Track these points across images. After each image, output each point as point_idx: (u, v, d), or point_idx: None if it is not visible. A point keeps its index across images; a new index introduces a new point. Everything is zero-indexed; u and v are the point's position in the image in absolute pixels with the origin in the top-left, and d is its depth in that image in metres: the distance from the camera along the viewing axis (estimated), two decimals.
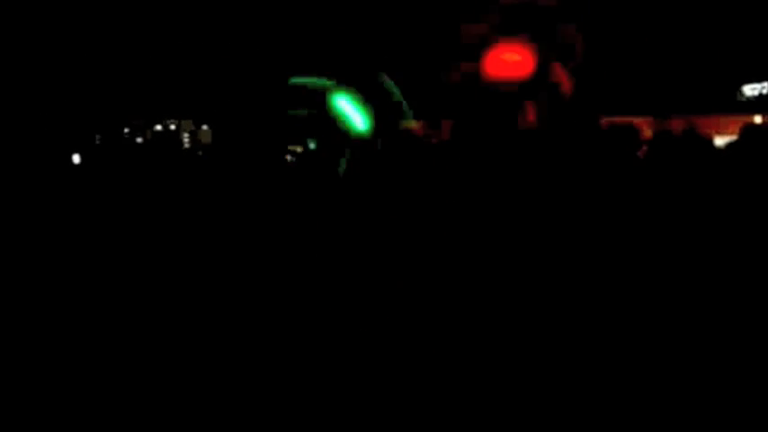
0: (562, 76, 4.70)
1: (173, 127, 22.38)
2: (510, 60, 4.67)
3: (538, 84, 4.84)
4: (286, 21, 17.08)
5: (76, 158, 15.47)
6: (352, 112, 5.58)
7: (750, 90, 19.92)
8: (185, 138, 22.03)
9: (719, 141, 7.62)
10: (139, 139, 22.27)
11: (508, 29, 4.81)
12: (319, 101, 6.04)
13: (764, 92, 19.47)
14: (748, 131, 5.59)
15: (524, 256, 4.72)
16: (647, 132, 6.38)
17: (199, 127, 21.81)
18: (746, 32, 18.57)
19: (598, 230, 4.67)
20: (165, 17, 18.63)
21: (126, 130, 22.47)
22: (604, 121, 6.65)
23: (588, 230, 4.68)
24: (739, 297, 4.27)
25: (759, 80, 19.74)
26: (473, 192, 4.91)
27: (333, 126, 5.80)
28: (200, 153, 18.48)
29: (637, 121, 6.99)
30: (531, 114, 4.69)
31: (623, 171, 5.01)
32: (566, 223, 4.82)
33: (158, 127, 22.71)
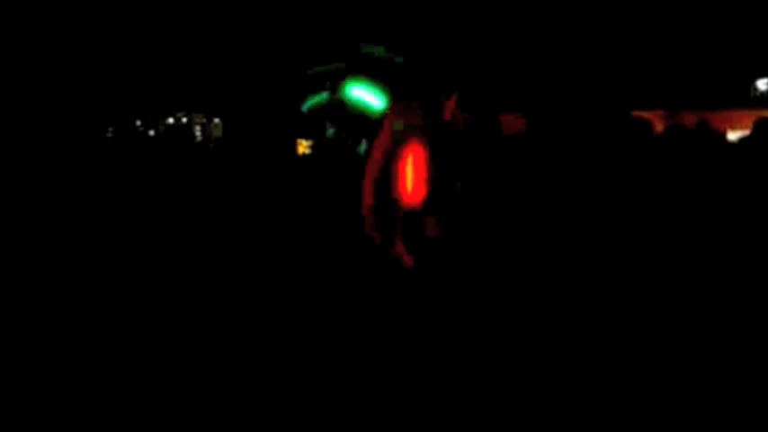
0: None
1: (184, 120, 22.44)
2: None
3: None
4: (294, 13, 17.10)
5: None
6: (367, 96, 5.52)
7: (763, 84, 19.83)
8: (197, 131, 22.08)
9: (732, 136, 7.60)
10: (152, 132, 22.34)
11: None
12: (335, 89, 6.01)
13: None
14: (761, 126, 5.57)
15: (533, 249, 4.72)
16: (659, 126, 6.36)
17: (210, 120, 21.84)
18: (759, 27, 18.48)
19: (610, 225, 4.67)
20: (178, 10, 18.66)
21: (138, 123, 22.56)
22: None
23: (600, 225, 4.68)
24: (750, 292, 4.27)
25: None
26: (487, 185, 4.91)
27: (350, 113, 5.76)
28: (212, 145, 18.53)
29: (648, 115, 6.96)
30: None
31: (635, 165, 5.00)
32: (576, 218, 4.81)
33: (170, 120, 22.78)
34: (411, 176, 4.04)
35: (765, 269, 4.36)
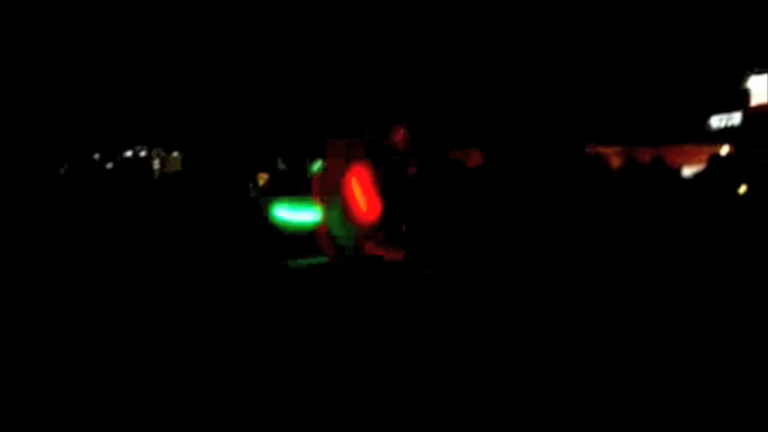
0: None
1: (143, 153, 22.25)
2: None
3: None
4: (253, 50, 17.14)
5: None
6: (295, 215, 5.68)
7: (717, 121, 20.24)
8: (156, 164, 21.89)
9: (687, 171, 7.71)
10: (109, 165, 22.08)
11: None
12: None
13: (731, 123, 19.79)
14: (715, 161, 5.65)
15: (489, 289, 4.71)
16: (616, 161, 6.42)
17: (169, 153, 21.69)
18: (713, 65, 18.91)
19: (566, 258, 4.67)
20: (138, 46, 18.60)
21: (96, 156, 22.30)
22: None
23: (556, 258, 4.68)
24: (705, 327, 4.29)
25: (725, 111, 20.07)
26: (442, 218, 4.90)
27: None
28: (170, 178, 18.36)
29: (605, 150, 7.02)
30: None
31: (592, 199, 5.03)
32: (535, 250, 4.81)
33: (128, 153, 22.55)
34: (361, 197, 4.15)
35: (718, 304, 4.39)
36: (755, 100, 20.04)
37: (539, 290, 4.63)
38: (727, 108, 20.02)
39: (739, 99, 20.00)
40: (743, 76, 20.18)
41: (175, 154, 21.30)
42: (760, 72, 20.10)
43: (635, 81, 18.74)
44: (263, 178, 12.73)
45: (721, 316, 4.42)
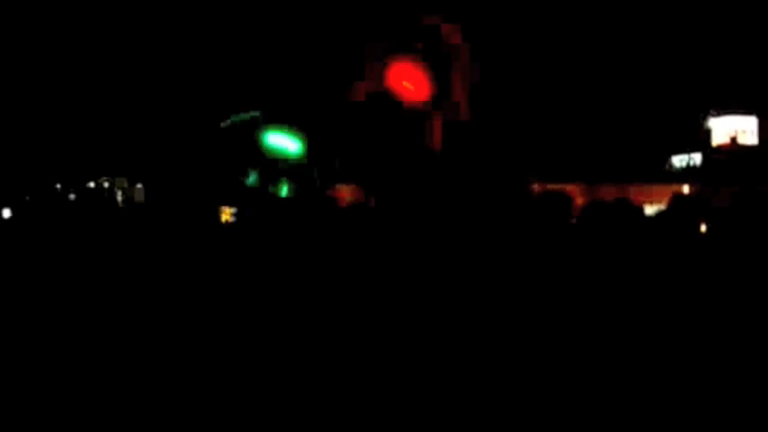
0: (460, 96, 4.81)
1: (106, 184, 22.05)
2: (409, 85, 4.79)
3: (438, 104, 4.88)
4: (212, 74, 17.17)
5: (6, 213, 15.18)
6: (283, 142, 5.79)
7: (678, 161, 20.58)
8: (119, 195, 21.70)
9: (650, 210, 7.78)
10: (72, 196, 21.86)
11: (406, 48, 4.86)
12: (253, 141, 6.17)
13: (692, 162, 20.13)
14: (677, 201, 5.69)
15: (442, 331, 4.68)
16: (579, 199, 6.46)
17: (133, 185, 21.53)
18: (676, 106, 19.25)
19: (527, 298, 4.66)
20: (100, 77, 18.51)
21: (58, 186, 22.09)
22: (537, 186, 6.70)
23: (517, 298, 4.66)
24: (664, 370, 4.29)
25: (687, 151, 20.41)
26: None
27: (268, 159, 6.00)
28: (134, 210, 18.19)
29: (569, 187, 7.06)
30: (434, 136, 4.82)
31: (555, 237, 5.03)
32: (495, 291, 4.80)
33: (91, 184, 22.34)
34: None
35: (680, 345, 4.39)
36: (716, 140, 20.44)
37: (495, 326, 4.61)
38: (688, 148, 20.38)
39: (701, 140, 20.39)
40: (704, 117, 20.59)
41: (139, 186, 21.14)
42: (721, 114, 20.54)
43: (598, 120, 19.01)
44: (226, 213, 12.56)
45: (682, 356, 4.42)
